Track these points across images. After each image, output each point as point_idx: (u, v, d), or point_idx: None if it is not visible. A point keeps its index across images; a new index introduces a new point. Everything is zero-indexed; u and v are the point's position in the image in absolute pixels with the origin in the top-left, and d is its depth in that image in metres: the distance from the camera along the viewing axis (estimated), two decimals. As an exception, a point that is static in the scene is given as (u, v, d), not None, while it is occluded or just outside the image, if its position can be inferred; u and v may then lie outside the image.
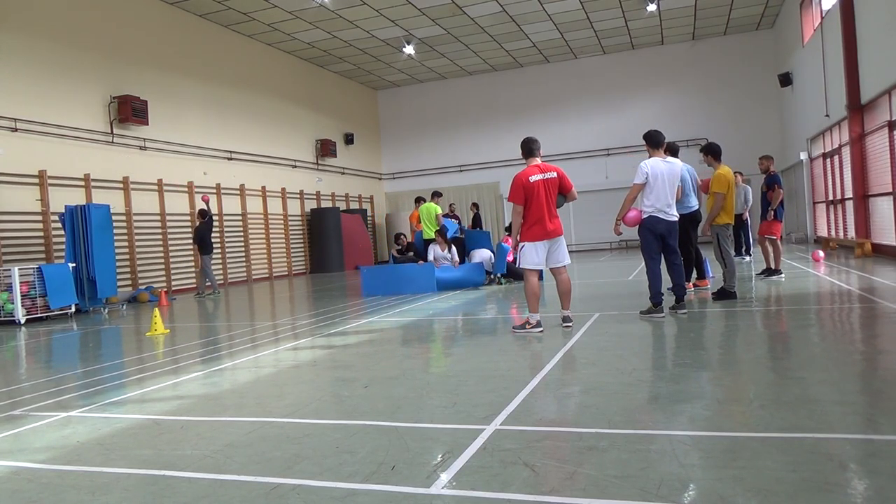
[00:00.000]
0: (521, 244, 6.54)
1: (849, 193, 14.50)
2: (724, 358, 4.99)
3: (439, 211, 12.89)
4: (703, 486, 2.50)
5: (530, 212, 6.41)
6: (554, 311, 7.08)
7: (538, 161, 6.57)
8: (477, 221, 19.45)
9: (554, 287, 6.84)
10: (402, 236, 14.00)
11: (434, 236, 12.39)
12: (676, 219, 7.04)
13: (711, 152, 8.22)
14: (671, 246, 7.05)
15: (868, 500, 2.34)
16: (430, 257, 12.07)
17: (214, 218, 15.42)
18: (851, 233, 14.40)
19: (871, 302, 7.04)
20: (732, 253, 8.06)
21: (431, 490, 2.63)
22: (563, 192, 6.50)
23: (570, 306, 6.68)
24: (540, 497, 2.49)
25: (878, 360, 4.60)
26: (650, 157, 7.04)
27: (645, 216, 6.94)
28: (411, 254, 13.19)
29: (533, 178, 6.38)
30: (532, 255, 6.45)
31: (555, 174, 6.45)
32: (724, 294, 7.80)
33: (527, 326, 6.41)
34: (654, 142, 7.08)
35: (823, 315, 6.61)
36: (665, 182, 6.87)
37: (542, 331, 6.34)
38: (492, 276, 12.29)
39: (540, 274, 6.74)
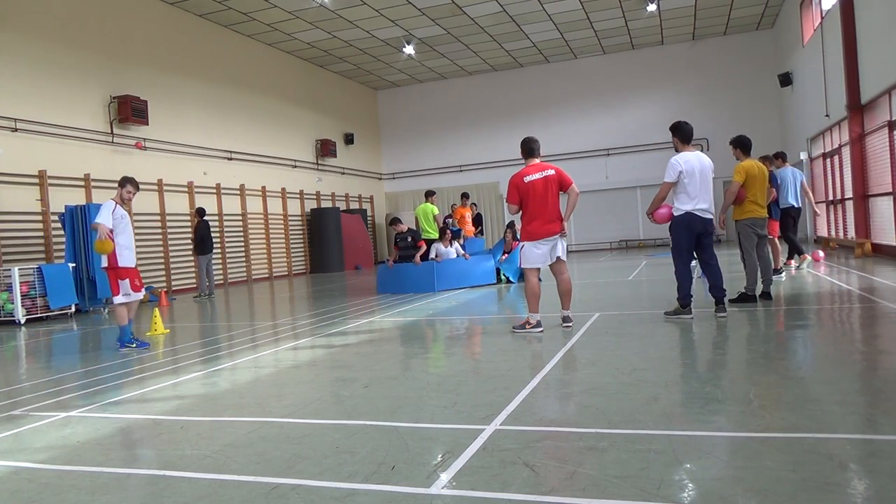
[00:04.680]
0: (521, 244, 6.54)
1: (849, 193, 14.50)
2: (724, 358, 4.99)
3: (437, 211, 12.98)
4: (703, 486, 2.50)
5: (528, 211, 6.41)
6: (554, 312, 7.07)
7: (537, 161, 6.55)
8: (478, 221, 18.37)
9: (554, 287, 6.83)
10: (398, 222, 12.73)
11: (436, 236, 12.44)
12: (712, 217, 6.68)
13: (740, 145, 7.72)
14: (706, 244, 6.70)
15: (868, 500, 2.34)
16: (432, 255, 12.11)
17: (208, 218, 15.26)
18: (851, 233, 14.40)
19: (871, 302, 7.03)
20: (754, 254, 7.52)
21: (431, 490, 2.63)
22: (563, 189, 6.44)
23: (570, 306, 6.68)
24: (540, 497, 2.49)
25: (878, 360, 4.60)
26: (678, 151, 6.65)
27: (680, 213, 6.58)
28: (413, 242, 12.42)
29: (528, 178, 6.37)
30: (532, 255, 6.44)
31: (553, 171, 6.43)
32: (743, 298, 7.33)
33: (527, 326, 6.40)
34: (684, 135, 6.64)
35: (823, 315, 6.60)
36: (698, 178, 6.51)
37: (542, 331, 6.33)
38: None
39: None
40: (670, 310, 6.86)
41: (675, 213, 6.65)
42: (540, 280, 6.63)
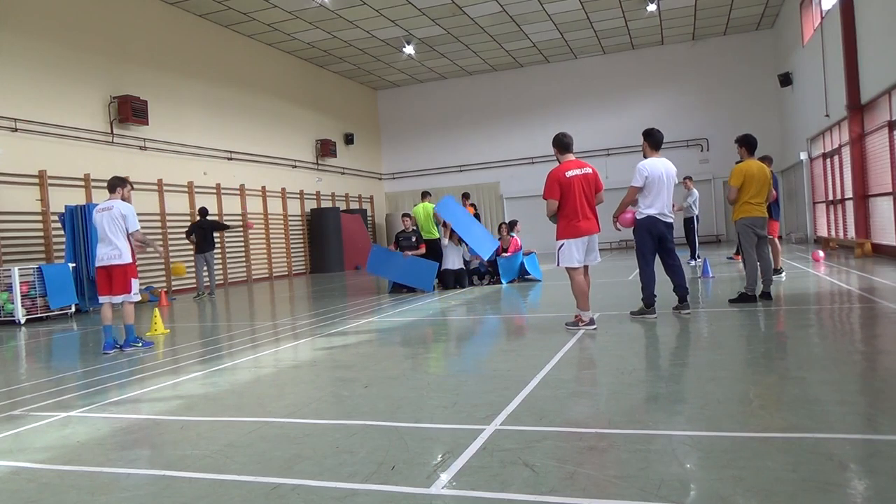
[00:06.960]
0: (560, 242, 6.45)
1: (849, 193, 14.49)
2: (724, 358, 4.98)
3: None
4: (703, 486, 2.50)
5: (566, 208, 6.36)
6: (558, 312, 7.06)
7: (572, 157, 6.53)
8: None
9: (566, 287, 6.81)
10: (406, 217, 13.14)
11: (437, 236, 12.45)
12: (672, 220, 6.90)
13: (746, 144, 7.66)
14: (669, 248, 6.89)
15: (868, 500, 2.34)
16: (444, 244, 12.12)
17: (212, 216, 15.31)
18: (851, 233, 14.40)
19: (871, 302, 7.03)
20: (754, 253, 7.46)
21: (431, 490, 2.63)
22: (595, 190, 6.51)
23: (572, 308, 6.65)
24: (540, 497, 2.49)
25: (878, 360, 4.60)
26: (646, 156, 6.85)
27: (643, 217, 6.79)
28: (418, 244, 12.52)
29: (570, 174, 6.34)
30: (573, 253, 6.40)
31: (591, 170, 6.46)
32: (743, 298, 7.37)
33: (580, 324, 6.37)
34: (654, 141, 6.85)
35: (823, 315, 6.60)
36: (664, 184, 6.72)
37: (595, 328, 6.30)
38: (491, 276, 12.26)
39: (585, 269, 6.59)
40: (635, 310, 6.97)
41: (638, 217, 6.83)
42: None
